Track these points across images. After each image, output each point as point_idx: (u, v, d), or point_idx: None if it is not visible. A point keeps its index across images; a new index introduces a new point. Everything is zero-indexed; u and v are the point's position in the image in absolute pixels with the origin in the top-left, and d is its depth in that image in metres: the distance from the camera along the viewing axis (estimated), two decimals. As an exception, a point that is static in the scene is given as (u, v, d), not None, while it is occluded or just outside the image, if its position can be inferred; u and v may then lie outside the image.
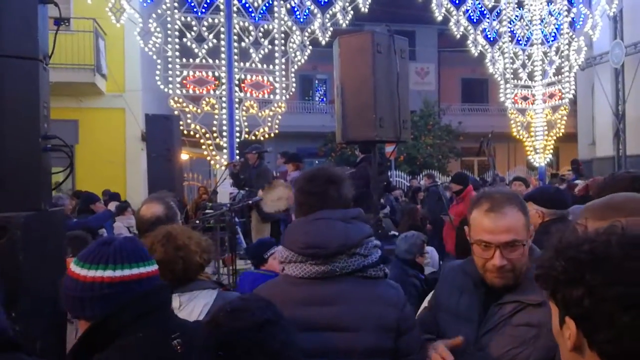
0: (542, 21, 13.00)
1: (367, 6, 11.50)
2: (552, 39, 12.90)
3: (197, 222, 6.29)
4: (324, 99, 26.11)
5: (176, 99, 10.16)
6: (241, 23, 10.51)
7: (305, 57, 11.09)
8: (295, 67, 11.00)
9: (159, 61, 10.11)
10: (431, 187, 8.69)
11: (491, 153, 9.63)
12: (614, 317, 0.81)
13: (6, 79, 2.56)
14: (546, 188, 4.28)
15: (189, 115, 10.23)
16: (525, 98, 13.35)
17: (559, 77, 12.86)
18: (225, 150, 10.37)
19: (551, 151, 13.18)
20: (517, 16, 13.03)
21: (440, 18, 12.17)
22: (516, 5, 13.04)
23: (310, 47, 11.11)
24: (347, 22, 11.44)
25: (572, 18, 12.42)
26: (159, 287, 1.35)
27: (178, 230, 1.89)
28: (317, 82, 25.93)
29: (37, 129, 2.62)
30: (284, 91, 10.87)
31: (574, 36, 12.48)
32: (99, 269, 1.28)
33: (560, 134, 13.03)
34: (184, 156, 11.03)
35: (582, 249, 0.87)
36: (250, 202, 5.59)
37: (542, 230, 2.88)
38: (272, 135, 10.75)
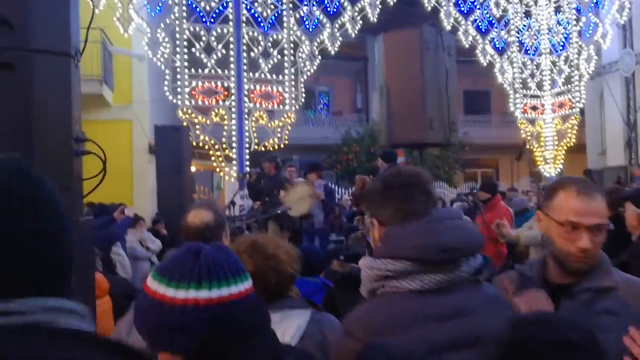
0: (550, 30, 12.93)
1: (376, 16, 11.41)
2: (561, 48, 12.82)
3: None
4: (327, 111, 26.01)
5: (185, 110, 9.99)
6: (250, 33, 10.38)
7: (315, 67, 10.95)
8: (305, 77, 10.86)
9: (167, 72, 9.95)
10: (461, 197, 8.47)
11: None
12: None
13: (36, 76, 2.35)
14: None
15: (197, 127, 10.05)
16: (534, 108, 13.24)
17: (569, 86, 12.75)
18: (234, 162, 10.17)
19: (562, 161, 13.02)
20: (525, 26, 12.97)
21: (449, 28, 12.05)
22: (524, 15, 12.99)
23: (320, 57, 10.98)
24: (355, 31, 11.34)
25: (581, 27, 12.33)
26: (258, 306, 1.11)
27: (264, 238, 1.65)
28: (319, 94, 25.83)
29: (69, 131, 2.41)
30: (293, 101, 10.71)
31: (583, 45, 12.39)
32: (191, 288, 1.01)
33: (571, 144, 12.88)
34: (192, 168, 10.82)
35: None
36: (278, 211, 5.36)
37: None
38: (282, 146, 10.57)
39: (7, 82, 2.36)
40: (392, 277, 1.33)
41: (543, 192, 4.29)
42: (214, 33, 10.16)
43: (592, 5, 11.89)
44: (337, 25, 11.07)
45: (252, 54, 10.36)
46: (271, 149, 10.50)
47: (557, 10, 12.75)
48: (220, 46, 10.17)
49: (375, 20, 11.42)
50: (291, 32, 10.69)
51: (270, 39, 10.52)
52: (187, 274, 1.02)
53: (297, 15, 10.77)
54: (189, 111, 10.02)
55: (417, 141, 4.03)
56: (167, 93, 9.97)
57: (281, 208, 5.43)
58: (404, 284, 1.33)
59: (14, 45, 2.35)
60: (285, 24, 10.66)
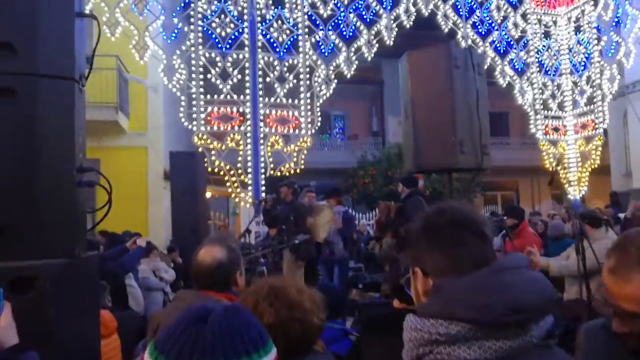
0: (570, 51, 12.70)
1: (392, 39, 11.30)
2: (582, 68, 12.55)
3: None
4: (342, 135, 25.91)
5: (200, 135, 9.88)
6: (266, 58, 10.32)
7: (331, 91, 10.82)
8: (321, 101, 10.73)
9: (182, 98, 9.89)
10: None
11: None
12: None
13: (39, 102, 2.20)
14: None
15: (213, 152, 9.93)
16: (556, 129, 12.92)
17: (591, 106, 12.44)
18: (250, 188, 10.00)
19: (586, 184, 12.63)
20: (544, 46, 12.75)
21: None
22: (543, 36, 12.78)
23: (336, 80, 10.86)
24: (372, 55, 11.24)
25: (603, 46, 12.08)
26: None
27: (284, 283, 1.40)
28: (334, 118, 25.78)
29: (73, 159, 2.24)
30: (309, 125, 10.57)
31: (605, 64, 12.12)
32: None
33: (596, 166, 12.50)
34: (207, 194, 10.68)
35: None
36: (297, 241, 5.13)
37: None
38: (298, 170, 10.39)
39: (9, 107, 2.20)
40: (444, 342, 1.07)
41: (579, 219, 4.00)
42: (230, 59, 10.12)
43: (614, 24, 11.65)
44: (352, 49, 10.97)
45: (267, 79, 10.27)
46: (287, 173, 10.32)
47: (577, 30, 12.52)
48: (236, 72, 10.11)
49: (391, 43, 11.30)
50: (307, 56, 10.62)
51: (286, 64, 10.44)
52: (191, 350, 0.79)
53: (313, 40, 10.70)
54: (204, 137, 9.92)
55: (446, 166, 3.73)
56: (183, 119, 9.89)
57: (299, 237, 5.20)
58: (459, 352, 1.06)
59: (16, 70, 2.20)
60: (301, 49, 10.59)
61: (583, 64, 12.49)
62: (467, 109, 3.55)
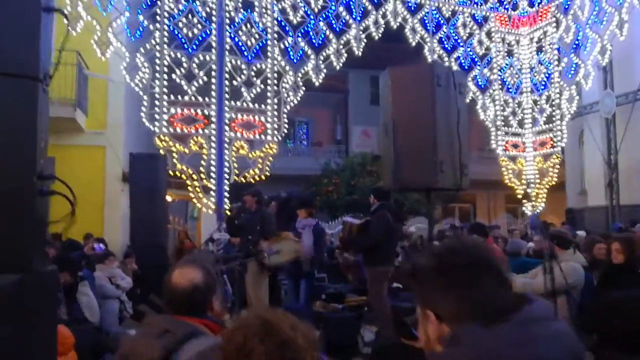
0: (532, 70, 13.05)
1: (361, 49, 11.32)
2: (542, 87, 12.92)
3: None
4: (306, 142, 25.85)
5: (162, 137, 9.59)
6: (233, 61, 10.13)
7: (298, 98, 10.73)
8: (288, 107, 10.62)
9: (145, 97, 9.58)
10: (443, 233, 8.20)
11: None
12: None
13: (-3, 102, 2.01)
14: None
15: (175, 155, 9.65)
16: (515, 145, 13.24)
17: (550, 125, 12.81)
18: (213, 193, 9.77)
19: (544, 200, 12.97)
20: (507, 64, 13.07)
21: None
22: (506, 54, 13.10)
23: (304, 88, 10.77)
24: (340, 64, 11.22)
25: (563, 67, 12.47)
26: None
27: (276, 318, 1.26)
28: (298, 124, 25.70)
29: (33, 165, 2.06)
30: (275, 132, 10.43)
31: (565, 85, 12.50)
32: None
33: (553, 182, 12.86)
34: (168, 198, 10.37)
35: None
36: (266, 254, 4.98)
37: None
38: (264, 177, 10.23)
39: (-38, 107, 2.02)
40: None
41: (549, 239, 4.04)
42: (196, 60, 9.88)
43: (574, 46, 12.04)
44: (321, 57, 10.92)
45: (234, 82, 10.09)
46: (252, 180, 10.14)
47: (539, 50, 12.89)
48: (202, 73, 9.88)
49: (360, 53, 11.33)
50: (275, 62, 10.49)
51: (254, 68, 10.28)
52: None
53: (282, 46, 10.59)
54: (167, 139, 9.63)
55: (426, 185, 3.69)
56: (144, 119, 9.57)
57: (269, 251, 5.06)
58: None
59: (-29, 66, 2.02)
60: (269, 54, 10.46)
61: (543, 83, 12.85)
62: (447, 129, 3.52)
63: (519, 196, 13.26)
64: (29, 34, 2.11)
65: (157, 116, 9.61)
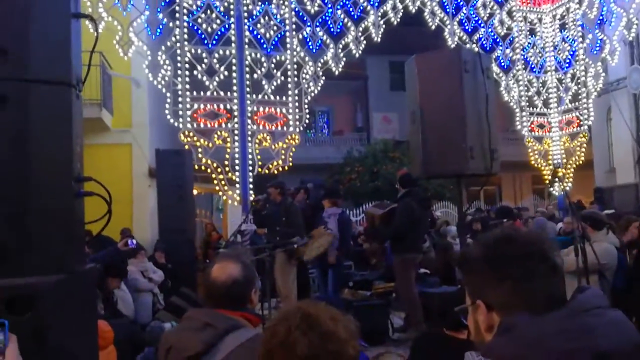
0: (555, 48, 12.78)
1: (380, 36, 11.24)
2: (567, 65, 12.65)
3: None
4: (327, 131, 25.83)
5: (187, 132, 9.73)
6: (253, 55, 10.18)
7: (319, 88, 10.73)
8: (309, 98, 10.64)
9: (168, 95, 9.71)
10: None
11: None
12: None
13: (33, 109, 2.07)
14: None
15: (199, 150, 9.78)
16: (541, 126, 13.02)
17: (576, 104, 12.56)
18: (237, 185, 9.88)
19: (571, 180, 12.76)
20: (529, 43, 12.82)
21: (453, 47, 11.87)
22: (528, 33, 12.84)
23: (324, 77, 10.77)
24: (359, 51, 11.17)
25: (588, 44, 12.18)
26: None
27: (316, 309, 1.29)
28: (319, 113, 25.68)
29: (70, 169, 2.12)
30: (297, 123, 10.47)
31: (590, 62, 12.22)
32: None
33: (580, 162, 12.64)
34: (194, 192, 10.53)
35: None
36: (295, 245, 5.04)
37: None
38: (287, 168, 10.30)
39: (0, 115, 2.09)
40: None
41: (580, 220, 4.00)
42: (216, 55, 9.96)
43: (598, 22, 11.74)
44: (340, 46, 10.88)
45: (255, 75, 10.14)
46: (275, 171, 10.22)
47: (562, 27, 12.61)
48: (222, 68, 9.95)
49: (379, 40, 11.25)
50: (294, 53, 10.50)
51: (274, 60, 10.31)
52: None
53: (300, 37, 10.59)
54: (191, 134, 9.77)
55: (456, 172, 3.67)
56: (169, 116, 9.72)
57: (297, 241, 5.12)
58: None
59: (8, 75, 2.07)
60: (288, 45, 10.47)
61: (568, 61, 12.59)
62: (476, 114, 3.49)
63: (546, 177, 13.07)
64: (61, 41, 2.17)
65: (180, 112, 9.75)
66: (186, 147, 9.59)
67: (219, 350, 1.65)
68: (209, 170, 9.95)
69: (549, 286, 1.05)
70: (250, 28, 10.17)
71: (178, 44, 9.80)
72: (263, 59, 10.21)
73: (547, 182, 13.01)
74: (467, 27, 12.02)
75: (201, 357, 1.66)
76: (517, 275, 1.05)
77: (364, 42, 11.12)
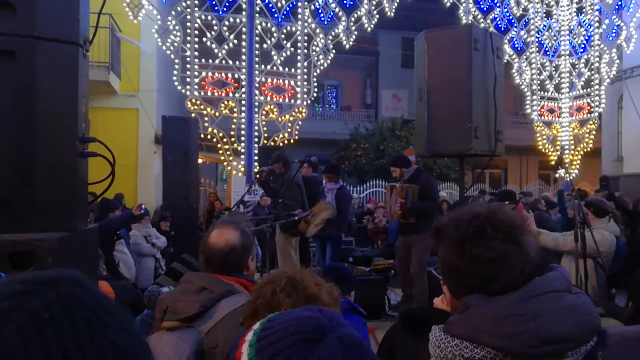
0: (571, 32, 12.56)
1: (394, 10, 11.07)
2: (582, 50, 12.45)
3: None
4: (335, 106, 25.66)
5: (193, 100, 9.70)
6: (263, 24, 10.06)
7: (328, 61, 10.63)
8: (318, 71, 10.54)
9: (176, 61, 9.65)
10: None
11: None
12: None
13: (39, 67, 2.08)
14: None
15: (206, 118, 9.76)
16: (551, 110, 12.89)
17: (588, 90, 12.39)
18: (242, 156, 9.89)
19: (577, 166, 12.69)
20: (545, 26, 12.60)
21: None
22: (545, 15, 12.61)
23: (334, 50, 10.65)
24: (372, 26, 11.01)
25: (604, 29, 11.96)
26: None
27: (302, 275, 1.35)
28: (328, 87, 25.48)
29: (75, 129, 2.13)
30: (305, 96, 10.41)
31: (605, 48, 12.02)
32: None
33: (588, 149, 12.54)
34: (199, 160, 10.55)
35: None
36: (296, 218, 5.06)
37: None
38: (292, 141, 10.28)
39: (8, 71, 2.08)
40: None
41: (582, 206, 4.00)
42: (226, 23, 9.86)
43: (616, 7, 11.51)
44: (352, 19, 10.73)
45: (264, 45, 10.05)
46: (281, 144, 10.21)
47: (580, 11, 12.37)
48: (232, 36, 9.86)
49: (392, 14, 11.08)
50: (305, 24, 10.37)
51: (284, 31, 10.20)
52: None
53: (312, 7, 10.44)
54: (198, 102, 9.74)
55: (460, 151, 3.64)
56: (176, 83, 9.68)
57: (298, 213, 5.14)
58: None
59: (16, 31, 2.07)
60: (299, 16, 10.33)
61: (583, 46, 12.38)
62: (484, 94, 3.44)
63: (552, 162, 13.00)
64: (69, 0, 2.16)
65: (188, 79, 9.70)
66: (192, 115, 9.57)
67: (214, 314, 1.68)
68: (214, 140, 9.94)
69: (512, 264, 1.04)
70: (262, -4, 10.04)
71: (188, 10, 9.70)
72: (273, 29, 10.10)
73: (553, 165, 12.94)
74: (482, 6, 11.83)
75: (196, 320, 1.70)
76: (481, 254, 1.05)
77: (377, 16, 10.95)
